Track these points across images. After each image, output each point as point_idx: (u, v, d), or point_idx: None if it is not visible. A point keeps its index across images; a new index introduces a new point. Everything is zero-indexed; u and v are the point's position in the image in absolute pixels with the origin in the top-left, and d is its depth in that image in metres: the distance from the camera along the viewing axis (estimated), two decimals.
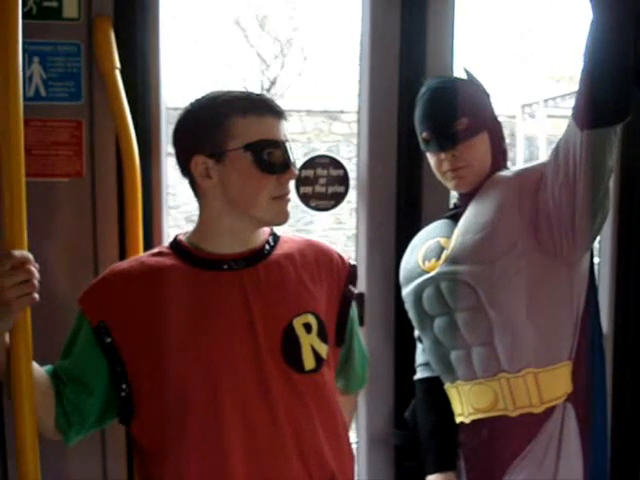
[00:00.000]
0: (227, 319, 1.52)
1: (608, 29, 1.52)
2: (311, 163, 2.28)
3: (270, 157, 1.51)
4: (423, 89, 1.91)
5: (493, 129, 1.88)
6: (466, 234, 1.80)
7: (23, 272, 1.36)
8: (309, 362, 1.56)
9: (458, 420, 1.88)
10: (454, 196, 2.02)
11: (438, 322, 1.85)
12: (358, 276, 1.78)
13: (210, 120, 1.51)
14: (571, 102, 1.70)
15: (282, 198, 1.54)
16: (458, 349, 1.82)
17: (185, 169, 1.55)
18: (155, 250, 1.64)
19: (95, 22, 1.99)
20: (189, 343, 1.49)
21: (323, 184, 2.29)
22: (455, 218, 1.90)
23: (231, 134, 1.50)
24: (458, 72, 2.11)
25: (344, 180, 2.30)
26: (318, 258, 1.66)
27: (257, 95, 1.55)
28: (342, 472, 1.61)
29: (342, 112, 10.18)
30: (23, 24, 1.39)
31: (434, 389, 1.95)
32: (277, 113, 1.54)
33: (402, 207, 2.28)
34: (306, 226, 10.02)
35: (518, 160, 9.84)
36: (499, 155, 1.90)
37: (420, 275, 1.87)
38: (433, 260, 1.86)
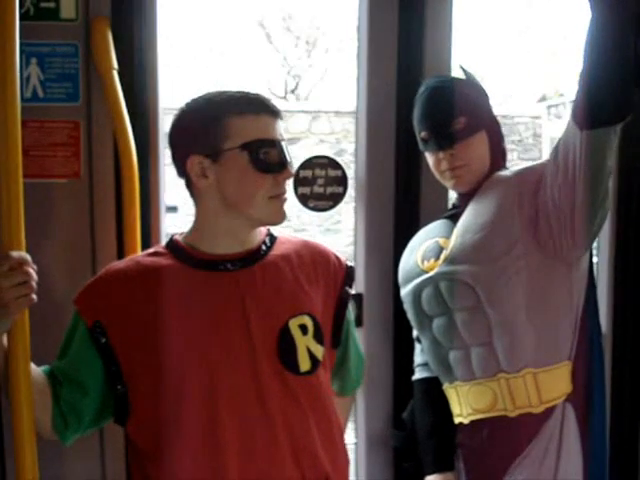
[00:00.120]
0: (223, 320, 1.51)
1: (607, 28, 1.52)
2: (309, 164, 2.28)
3: (266, 156, 1.50)
4: (422, 88, 1.91)
5: (492, 129, 1.88)
6: (465, 234, 1.80)
7: (21, 273, 1.36)
8: (304, 364, 1.55)
9: (457, 421, 1.88)
10: (452, 196, 2.02)
11: (437, 322, 1.84)
12: (357, 276, 1.78)
13: (206, 120, 1.51)
14: None
15: (279, 198, 1.54)
16: (457, 349, 1.82)
17: (181, 169, 1.55)
18: (151, 250, 1.63)
19: (93, 23, 1.99)
20: (184, 343, 1.49)
21: (321, 184, 2.29)
22: (454, 218, 1.90)
23: (227, 134, 1.49)
24: (456, 72, 2.11)
25: (342, 181, 2.30)
26: (315, 259, 1.65)
27: (253, 94, 1.54)
28: (337, 474, 1.60)
29: None
30: (20, 25, 1.39)
31: (433, 389, 1.94)
32: (273, 112, 1.53)
33: (400, 207, 2.29)
34: (335, 225, 10.01)
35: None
36: (498, 155, 1.90)
37: (419, 275, 1.86)
38: (432, 260, 1.85)
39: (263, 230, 1.64)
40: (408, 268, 1.92)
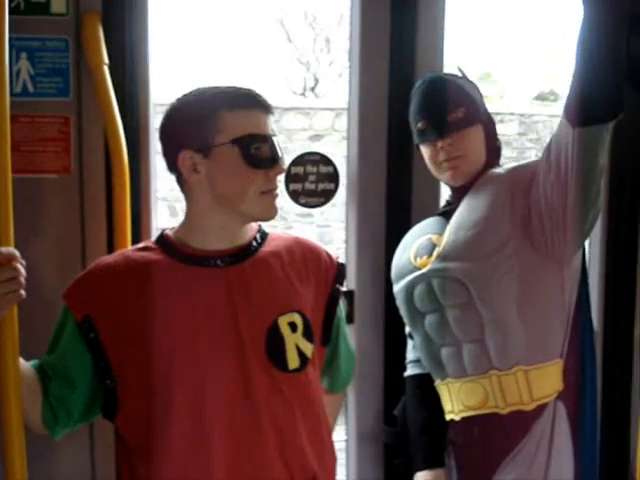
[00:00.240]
0: (212, 316, 1.51)
1: (600, 26, 1.52)
2: (301, 160, 2.27)
3: (258, 152, 1.50)
4: (418, 83, 1.92)
5: (487, 125, 1.89)
6: (458, 231, 1.80)
7: (9, 269, 1.36)
8: (293, 361, 1.55)
9: (448, 417, 1.88)
10: (444, 193, 2.02)
11: (429, 319, 1.85)
12: (348, 273, 1.78)
13: (197, 115, 1.50)
14: None
15: (270, 193, 1.53)
16: (449, 346, 1.82)
17: (172, 164, 1.54)
18: (141, 245, 1.63)
19: (83, 18, 1.98)
20: (173, 339, 1.49)
21: (313, 181, 2.28)
22: (447, 215, 1.90)
23: (218, 129, 1.48)
24: (449, 70, 2.11)
25: (334, 177, 2.29)
26: (306, 256, 1.65)
27: (245, 89, 1.54)
28: (324, 473, 1.60)
29: None
30: (11, 19, 1.39)
31: (424, 386, 1.94)
32: (265, 107, 1.53)
33: (392, 204, 2.29)
34: None
35: None
36: (493, 152, 1.90)
37: (411, 272, 1.86)
38: (425, 257, 1.85)
39: (254, 226, 1.63)
40: (401, 265, 1.92)
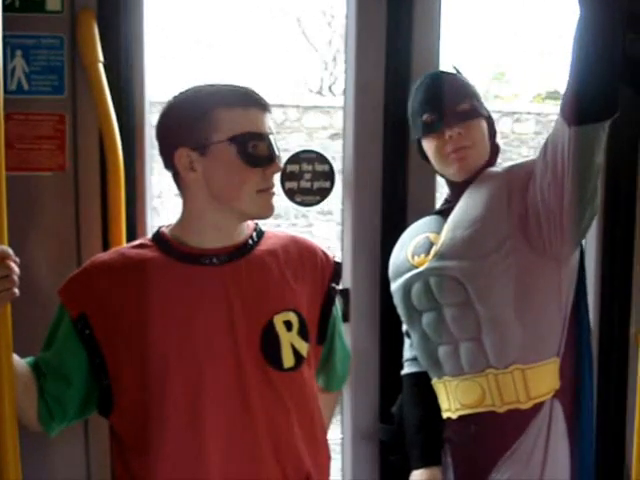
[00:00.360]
0: (207, 314, 1.51)
1: (596, 25, 1.52)
2: (296, 158, 2.27)
3: (255, 150, 1.50)
4: (420, 80, 1.92)
5: (489, 121, 1.89)
6: (456, 229, 1.80)
7: (2, 267, 1.35)
8: (288, 360, 1.55)
9: (445, 415, 1.88)
10: (440, 192, 2.02)
11: (426, 317, 1.84)
12: (344, 271, 1.77)
13: (194, 112, 1.50)
14: None
15: (267, 191, 1.53)
16: (446, 344, 1.82)
17: (169, 162, 1.54)
18: (137, 242, 1.63)
19: (78, 15, 1.97)
20: (168, 337, 1.49)
21: (308, 179, 2.28)
22: (444, 214, 1.90)
23: (215, 126, 1.48)
24: (445, 68, 2.11)
25: (330, 175, 2.29)
26: (302, 255, 1.65)
27: (242, 87, 1.54)
28: (318, 471, 1.61)
29: None
30: (5, 17, 1.38)
31: (421, 384, 1.94)
32: (262, 105, 1.53)
33: (388, 203, 2.28)
34: None
35: None
36: (493, 149, 1.91)
37: (409, 270, 1.86)
38: (422, 255, 1.85)
39: (251, 225, 1.63)
40: (398, 263, 1.92)
